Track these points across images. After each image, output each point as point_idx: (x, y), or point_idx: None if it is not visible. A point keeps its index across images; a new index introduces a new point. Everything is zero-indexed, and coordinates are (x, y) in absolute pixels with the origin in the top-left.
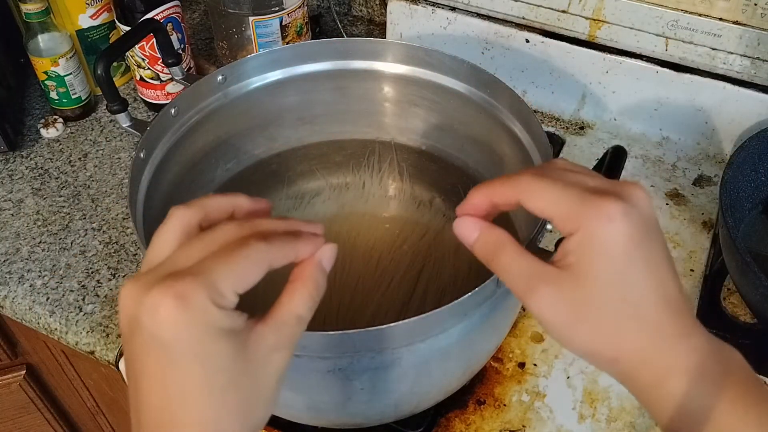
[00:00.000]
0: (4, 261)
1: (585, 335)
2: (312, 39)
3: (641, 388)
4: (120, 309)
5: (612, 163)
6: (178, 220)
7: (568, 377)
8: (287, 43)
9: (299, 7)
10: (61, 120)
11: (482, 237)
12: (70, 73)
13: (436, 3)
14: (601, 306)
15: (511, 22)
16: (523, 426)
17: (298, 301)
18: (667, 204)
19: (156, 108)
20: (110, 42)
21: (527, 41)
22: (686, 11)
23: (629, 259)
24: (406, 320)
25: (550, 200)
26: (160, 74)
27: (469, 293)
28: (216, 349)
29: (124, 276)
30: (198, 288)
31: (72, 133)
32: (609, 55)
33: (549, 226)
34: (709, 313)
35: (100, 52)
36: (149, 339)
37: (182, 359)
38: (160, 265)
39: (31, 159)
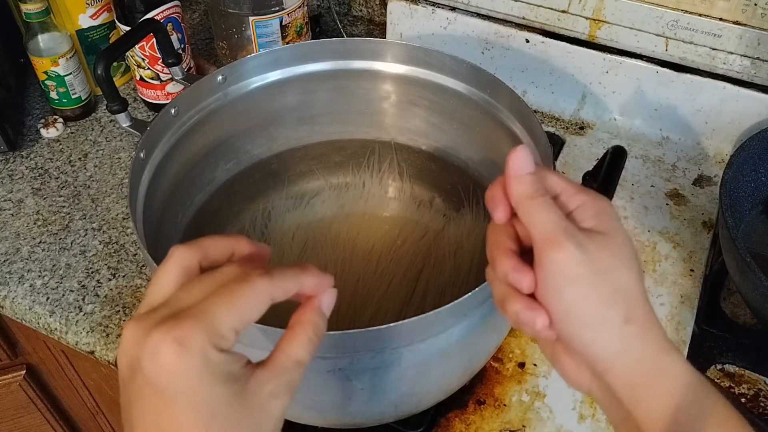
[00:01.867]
0: (4, 261)
1: (604, 291)
2: (312, 39)
3: (638, 360)
4: (120, 351)
5: (612, 163)
6: (179, 260)
7: None
8: (287, 43)
9: (299, 7)
10: (61, 120)
11: (534, 178)
12: (70, 73)
13: (436, 3)
14: (621, 271)
15: (511, 22)
16: (523, 426)
17: (298, 346)
18: (667, 204)
19: (156, 108)
20: (110, 42)
21: (527, 41)
22: (686, 11)
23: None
24: (406, 320)
25: (564, 180)
26: (160, 74)
27: (469, 293)
28: (214, 395)
29: (124, 276)
30: (197, 332)
31: (72, 133)
32: (609, 55)
33: None
34: (709, 313)
35: (100, 52)
36: (147, 383)
37: (179, 405)
38: (161, 306)
39: (31, 159)
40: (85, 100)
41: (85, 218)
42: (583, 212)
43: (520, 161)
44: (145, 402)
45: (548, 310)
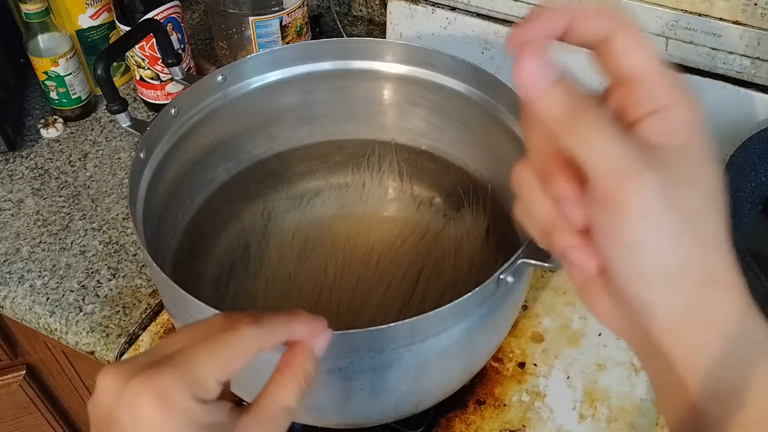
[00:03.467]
0: (4, 261)
1: (688, 244)
2: (312, 39)
3: (706, 325)
4: (94, 398)
5: None
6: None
7: (568, 377)
8: (287, 43)
9: (299, 7)
10: (61, 120)
11: (559, 89)
12: (70, 73)
13: (436, 3)
14: (709, 215)
15: (512, 22)
16: (523, 426)
17: (286, 392)
18: None
19: (156, 108)
20: (110, 42)
21: None
22: (686, 11)
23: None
24: (406, 320)
25: (649, 56)
26: (160, 74)
27: (469, 293)
28: None
29: (124, 276)
30: (177, 382)
31: (72, 133)
32: None
33: None
34: None
35: (100, 52)
36: None
37: None
38: (143, 354)
39: (31, 159)
40: (85, 100)
41: (85, 218)
42: (667, 119)
43: (534, 66)
44: None
45: (606, 257)
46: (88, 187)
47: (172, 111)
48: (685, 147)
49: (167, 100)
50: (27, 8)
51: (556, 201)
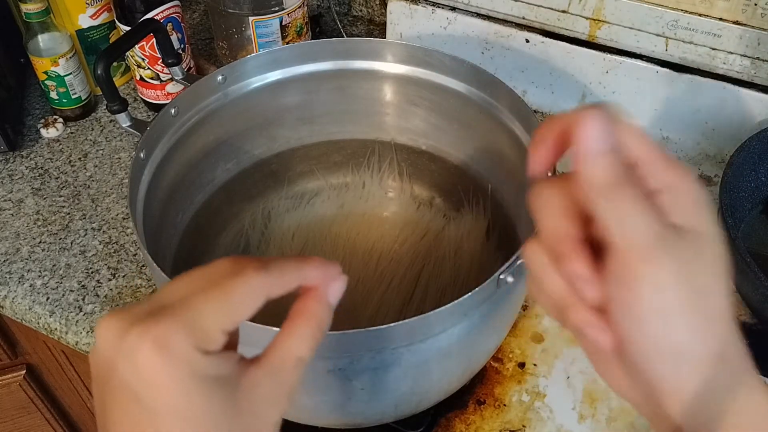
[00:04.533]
0: (4, 261)
1: (698, 319)
2: (312, 39)
3: (718, 401)
4: (94, 349)
5: None
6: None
7: (568, 377)
8: (287, 43)
9: (299, 7)
10: (61, 120)
11: (612, 158)
12: (70, 73)
13: (436, 3)
14: (718, 292)
15: (511, 22)
16: (523, 426)
17: (298, 341)
18: None
19: (156, 108)
20: (110, 42)
21: (527, 41)
22: (686, 11)
23: None
24: (406, 320)
25: (644, 142)
26: (160, 74)
27: (469, 293)
28: (200, 402)
29: (124, 276)
30: (179, 331)
31: (72, 133)
32: (609, 55)
33: None
34: None
35: (100, 52)
36: (124, 388)
37: (161, 413)
38: (144, 301)
39: (31, 159)
40: (85, 100)
41: (85, 218)
42: (675, 200)
43: (597, 131)
44: (123, 409)
45: (620, 331)
46: (88, 187)
47: (172, 111)
48: (697, 226)
49: (167, 100)
50: (27, 8)
51: (569, 280)
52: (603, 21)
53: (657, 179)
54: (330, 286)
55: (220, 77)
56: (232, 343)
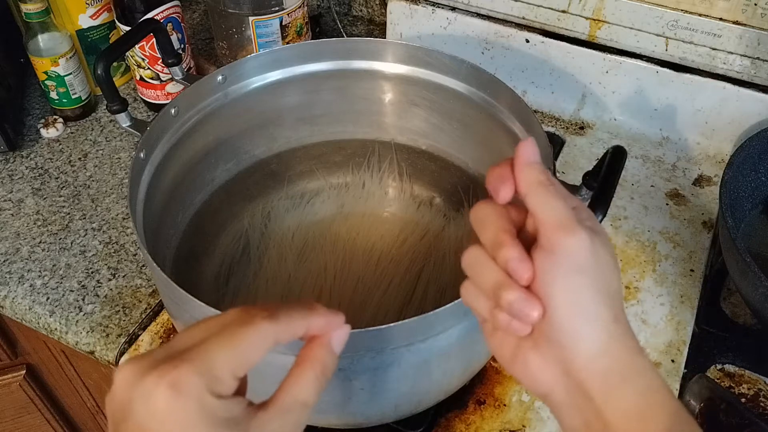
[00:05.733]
0: (4, 261)
1: (602, 286)
2: (312, 39)
3: (617, 358)
4: (112, 392)
5: (612, 163)
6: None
7: None
8: (287, 43)
9: (299, 7)
10: (61, 120)
11: (540, 166)
12: (70, 73)
13: (436, 3)
14: (614, 271)
15: (511, 22)
16: (523, 426)
17: (304, 387)
18: (667, 204)
19: (156, 108)
20: (110, 42)
21: (527, 41)
22: (686, 11)
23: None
24: (406, 320)
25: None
26: (160, 74)
27: None
28: None
29: (124, 276)
30: (193, 375)
31: (72, 133)
32: (609, 55)
33: None
34: (709, 313)
35: (100, 52)
36: (139, 428)
37: None
38: (159, 348)
39: (31, 159)
40: (85, 100)
41: (85, 218)
42: (580, 213)
43: (531, 151)
44: None
45: (544, 299)
46: (88, 187)
47: (172, 111)
48: (595, 227)
49: (167, 100)
50: (27, 8)
51: (505, 265)
52: (603, 21)
53: (569, 201)
54: (334, 334)
55: (220, 77)
56: (241, 389)
